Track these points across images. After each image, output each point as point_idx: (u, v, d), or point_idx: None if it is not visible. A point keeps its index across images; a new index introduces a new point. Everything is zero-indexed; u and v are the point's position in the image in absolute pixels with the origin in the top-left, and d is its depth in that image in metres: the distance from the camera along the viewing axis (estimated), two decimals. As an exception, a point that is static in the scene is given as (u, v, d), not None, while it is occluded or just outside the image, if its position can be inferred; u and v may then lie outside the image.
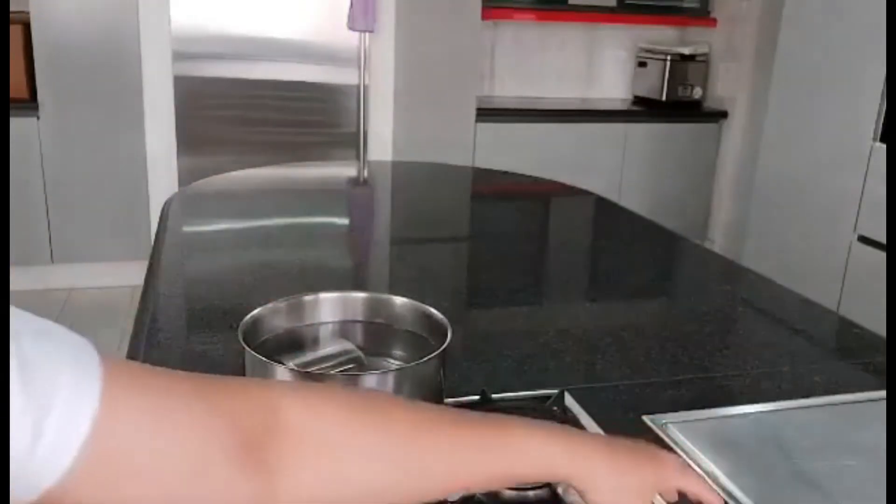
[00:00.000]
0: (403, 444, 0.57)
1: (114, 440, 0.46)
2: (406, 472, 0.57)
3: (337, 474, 0.55)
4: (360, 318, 0.91)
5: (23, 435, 0.42)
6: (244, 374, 0.80)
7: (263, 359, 0.75)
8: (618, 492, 0.62)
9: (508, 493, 0.81)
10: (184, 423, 0.49)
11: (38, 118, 3.35)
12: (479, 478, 0.60)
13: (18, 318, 0.45)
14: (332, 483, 0.55)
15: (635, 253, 1.81)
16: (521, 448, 0.60)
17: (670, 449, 0.91)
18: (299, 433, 0.53)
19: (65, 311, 3.36)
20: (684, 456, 0.89)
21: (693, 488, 0.65)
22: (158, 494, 0.49)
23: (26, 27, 3.27)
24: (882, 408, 1.01)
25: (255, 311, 0.84)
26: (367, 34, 3.62)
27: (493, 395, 0.96)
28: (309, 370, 0.77)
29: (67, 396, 0.44)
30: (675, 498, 0.65)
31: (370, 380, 0.74)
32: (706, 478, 0.72)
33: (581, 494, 0.62)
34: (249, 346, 0.77)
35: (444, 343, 0.79)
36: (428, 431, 0.58)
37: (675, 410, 0.99)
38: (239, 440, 0.51)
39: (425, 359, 0.77)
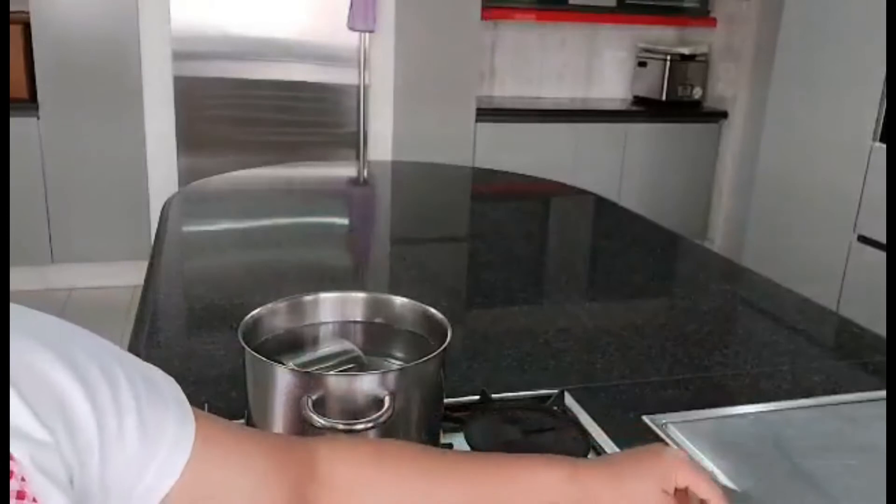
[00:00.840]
0: (425, 483, 0.64)
1: (196, 488, 0.54)
2: None
3: None
4: (360, 318, 0.91)
5: (131, 475, 0.50)
6: (244, 374, 0.80)
7: (263, 359, 0.75)
8: (623, 500, 0.64)
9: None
10: (251, 478, 0.58)
11: (38, 118, 3.35)
12: None
13: (131, 364, 0.53)
14: None
15: (635, 253, 1.81)
16: (529, 479, 0.65)
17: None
18: (332, 479, 0.62)
19: (65, 311, 3.36)
20: (684, 456, 0.89)
21: (697, 487, 0.65)
22: None
23: (26, 27, 3.27)
24: (882, 408, 1.01)
25: (255, 311, 0.84)
26: (367, 34, 3.62)
27: (493, 395, 0.96)
28: (309, 370, 0.77)
29: (169, 448, 0.52)
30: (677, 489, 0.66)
31: (370, 380, 0.74)
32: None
33: None
34: (249, 346, 0.77)
35: (444, 343, 0.79)
36: (447, 471, 0.66)
37: (675, 410, 0.99)
38: (287, 489, 0.59)
39: (425, 359, 0.77)
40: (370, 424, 0.71)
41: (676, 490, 0.65)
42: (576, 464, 0.67)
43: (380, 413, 0.71)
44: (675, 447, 0.66)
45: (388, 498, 0.63)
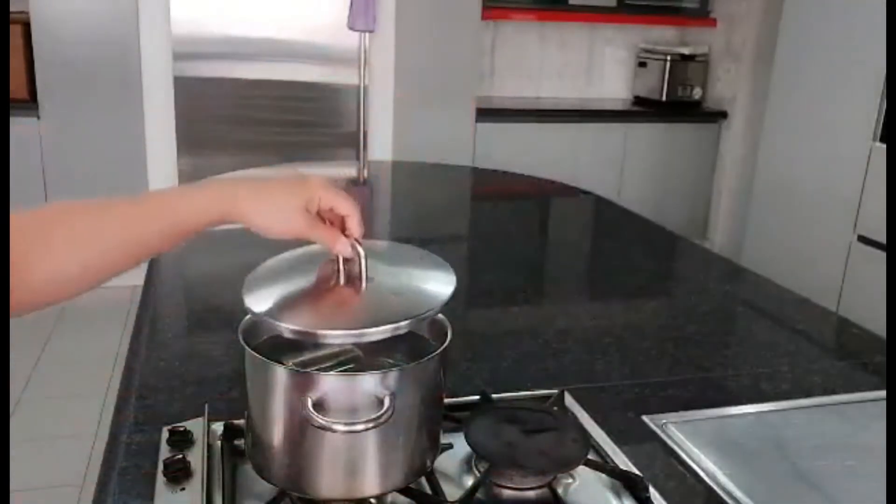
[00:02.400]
0: (93, 232, 0.76)
1: None
2: (107, 244, 0.76)
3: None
4: (360, 318, 0.91)
5: None
6: (245, 375, 0.80)
7: (263, 359, 0.75)
8: (270, 213, 0.75)
9: (507, 493, 0.81)
10: None
11: (38, 118, 3.35)
12: (156, 236, 0.77)
13: None
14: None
15: (635, 253, 1.81)
16: (181, 205, 0.76)
17: (670, 449, 0.91)
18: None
19: (65, 311, 3.36)
20: (684, 455, 0.89)
21: (338, 205, 0.76)
22: None
23: (26, 27, 3.27)
24: (882, 408, 1.01)
25: (256, 312, 0.84)
26: (367, 34, 3.62)
27: (493, 395, 0.96)
28: (309, 370, 0.77)
29: None
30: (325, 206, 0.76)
31: (370, 380, 0.74)
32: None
33: (245, 224, 0.76)
34: (249, 346, 0.77)
35: (444, 343, 0.79)
36: (110, 217, 0.76)
37: (675, 410, 0.99)
38: None
39: (425, 359, 0.77)
40: (370, 424, 0.71)
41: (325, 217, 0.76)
42: (223, 184, 0.77)
43: (380, 413, 0.71)
44: (320, 176, 0.78)
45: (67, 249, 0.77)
